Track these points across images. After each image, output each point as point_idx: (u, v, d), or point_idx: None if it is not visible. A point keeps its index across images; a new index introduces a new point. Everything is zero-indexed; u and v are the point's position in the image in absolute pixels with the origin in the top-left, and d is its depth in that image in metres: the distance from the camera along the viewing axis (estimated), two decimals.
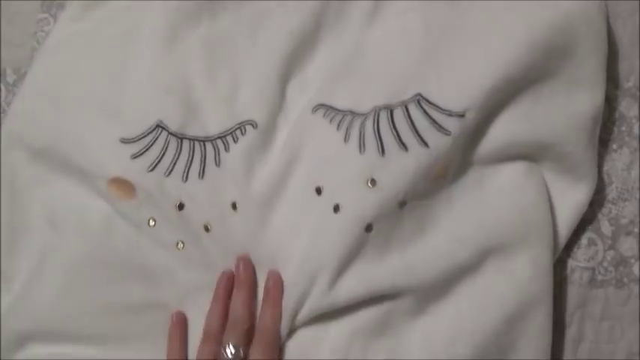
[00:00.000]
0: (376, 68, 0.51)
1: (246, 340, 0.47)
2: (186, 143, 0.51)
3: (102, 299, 0.51)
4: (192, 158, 0.51)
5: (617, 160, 0.54)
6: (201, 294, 0.50)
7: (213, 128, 0.52)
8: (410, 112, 0.48)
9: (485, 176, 0.50)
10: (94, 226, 0.51)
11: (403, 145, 0.48)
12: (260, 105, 0.52)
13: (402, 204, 0.47)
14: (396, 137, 0.48)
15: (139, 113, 0.52)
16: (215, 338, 0.48)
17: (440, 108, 0.48)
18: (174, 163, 0.51)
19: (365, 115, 0.49)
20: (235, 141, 0.51)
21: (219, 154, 0.51)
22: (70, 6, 0.58)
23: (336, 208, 0.47)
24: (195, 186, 0.50)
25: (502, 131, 0.50)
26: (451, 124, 0.47)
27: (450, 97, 0.48)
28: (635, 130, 0.54)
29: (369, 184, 0.47)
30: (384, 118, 0.48)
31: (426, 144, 0.47)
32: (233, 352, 0.46)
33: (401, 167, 0.47)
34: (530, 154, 0.50)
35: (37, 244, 0.53)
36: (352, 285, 0.47)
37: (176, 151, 0.51)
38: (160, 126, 0.51)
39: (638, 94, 0.54)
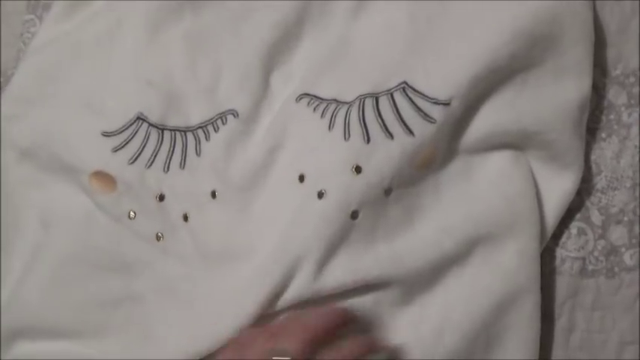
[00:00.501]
0: (361, 59, 0.51)
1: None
2: (167, 134, 0.51)
3: (83, 294, 0.51)
4: (174, 149, 0.51)
5: (606, 149, 0.53)
6: (178, 285, 0.49)
7: (195, 118, 0.52)
8: (395, 100, 0.48)
9: (472, 166, 0.50)
10: (78, 221, 0.52)
11: (389, 133, 0.47)
12: (242, 94, 0.52)
13: (388, 191, 0.47)
14: (382, 125, 0.48)
15: (120, 106, 0.52)
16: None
17: (426, 96, 0.48)
18: (155, 155, 0.51)
19: (350, 104, 0.49)
20: (216, 130, 0.51)
21: (199, 144, 0.51)
22: (54, 7, 0.58)
23: (320, 195, 0.47)
24: (175, 176, 0.50)
25: (487, 120, 0.49)
26: (436, 112, 0.47)
27: (435, 86, 0.48)
28: (624, 118, 0.54)
29: (354, 171, 0.47)
30: (369, 106, 0.48)
31: (411, 132, 0.47)
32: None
33: (386, 154, 0.47)
34: (516, 142, 0.50)
35: (29, 243, 0.53)
36: (338, 274, 0.46)
37: (157, 142, 0.51)
38: (140, 118, 0.52)
39: (626, 81, 0.54)
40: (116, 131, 0.52)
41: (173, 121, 0.52)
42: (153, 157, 0.51)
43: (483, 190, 0.49)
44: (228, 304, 0.47)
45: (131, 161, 0.51)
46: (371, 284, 0.47)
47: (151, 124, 0.51)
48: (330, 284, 0.46)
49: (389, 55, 0.50)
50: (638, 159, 0.53)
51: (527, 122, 0.49)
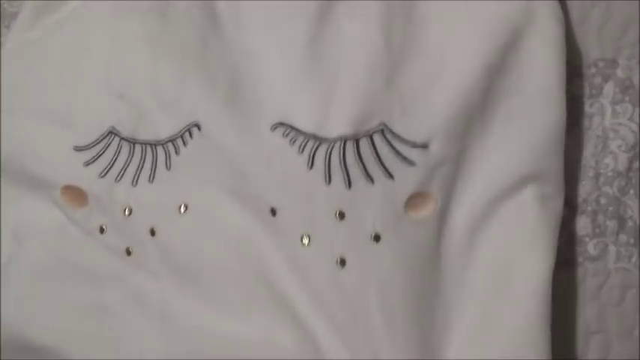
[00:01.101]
0: (338, 84, 0.49)
1: None
2: (138, 148, 0.51)
3: (56, 307, 0.51)
4: (144, 163, 0.51)
5: (569, 140, 0.53)
6: (149, 299, 0.49)
7: (164, 132, 0.51)
8: (375, 143, 0.48)
9: (474, 225, 0.49)
10: (50, 235, 0.52)
11: (370, 178, 0.47)
12: (206, 107, 0.50)
13: (377, 238, 0.47)
14: (362, 169, 0.47)
15: (92, 120, 0.52)
16: None
17: (403, 139, 0.48)
18: (125, 168, 0.51)
19: (330, 143, 0.48)
20: (185, 144, 0.51)
21: (169, 158, 0.51)
22: (20, 13, 0.58)
23: (306, 240, 0.47)
24: (143, 190, 0.50)
25: (484, 161, 0.49)
26: (415, 155, 0.47)
27: (412, 127, 0.48)
28: (586, 108, 0.54)
29: (337, 217, 0.47)
30: (350, 148, 0.48)
31: (391, 175, 0.47)
32: None
33: (368, 199, 0.47)
34: (513, 184, 0.49)
35: (5, 257, 0.54)
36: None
37: (128, 155, 0.51)
38: (112, 132, 0.52)
39: (587, 72, 0.54)
40: (88, 145, 0.52)
41: (144, 135, 0.51)
42: (123, 171, 0.51)
43: (484, 255, 0.49)
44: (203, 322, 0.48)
45: (101, 175, 0.51)
46: None
47: (122, 138, 0.51)
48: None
49: (368, 88, 0.48)
50: (600, 149, 0.53)
51: (524, 158, 0.48)
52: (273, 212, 0.48)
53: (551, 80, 0.49)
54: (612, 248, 0.52)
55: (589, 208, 0.53)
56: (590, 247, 0.52)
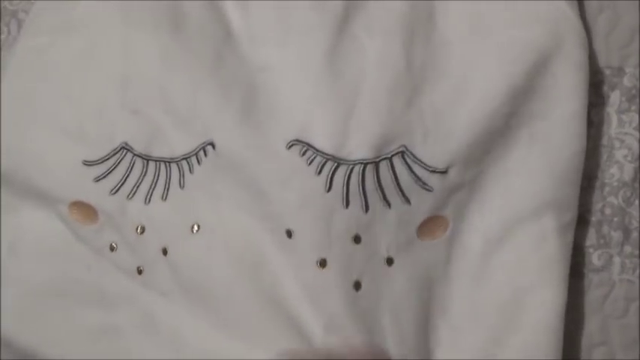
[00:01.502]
0: (357, 102, 0.48)
1: None
2: (152, 164, 0.50)
3: (60, 325, 0.50)
4: (157, 180, 0.50)
5: None
6: (159, 320, 0.49)
7: (178, 149, 0.50)
8: (395, 166, 0.47)
9: (488, 248, 0.48)
10: (54, 251, 0.51)
11: (387, 202, 0.47)
12: (220, 125, 0.49)
13: (390, 261, 0.47)
14: (381, 195, 0.47)
15: (103, 135, 0.51)
16: None
17: (424, 164, 0.47)
18: (138, 186, 0.50)
19: (349, 166, 0.47)
20: (199, 163, 0.49)
21: (183, 176, 0.49)
22: (27, 20, 0.57)
23: (322, 263, 0.47)
24: (156, 208, 0.49)
25: (501, 185, 0.48)
26: (434, 180, 0.47)
27: (433, 151, 0.47)
28: (591, 117, 0.53)
29: (354, 240, 0.47)
30: (369, 173, 0.47)
31: (408, 201, 0.47)
32: None
33: (383, 224, 0.47)
34: (533, 211, 0.48)
35: None
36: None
37: (141, 172, 0.50)
38: (124, 148, 0.50)
39: (593, 80, 0.53)
40: (98, 160, 0.50)
41: (158, 152, 0.50)
42: (135, 188, 0.50)
43: (497, 280, 0.48)
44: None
45: (113, 192, 0.50)
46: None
47: (135, 154, 0.50)
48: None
49: (390, 109, 0.47)
50: (605, 158, 0.52)
51: (544, 184, 0.48)
52: (289, 234, 0.47)
53: (576, 106, 0.48)
54: (617, 259, 0.52)
55: (594, 219, 0.52)
56: (595, 258, 0.52)
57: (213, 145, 0.49)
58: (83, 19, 0.54)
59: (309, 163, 0.47)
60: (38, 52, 0.54)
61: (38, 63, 0.54)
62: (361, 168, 0.47)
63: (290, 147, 0.47)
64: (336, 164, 0.47)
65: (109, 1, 0.53)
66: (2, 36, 0.61)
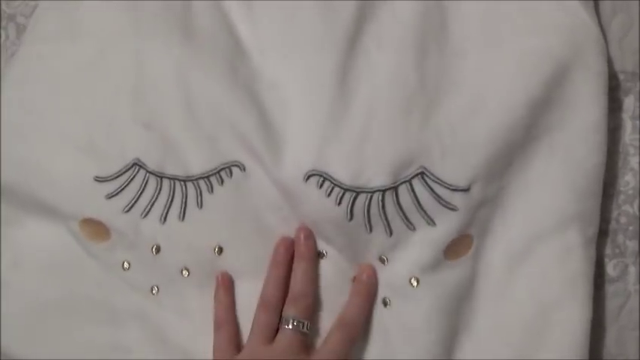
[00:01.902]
0: (372, 126, 0.47)
1: (308, 314, 0.46)
2: (166, 182, 0.49)
3: (67, 342, 0.49)
4: (173, 199, 0.48)
5: None
6: (171, 339, 0.48)
7: (196, 168, 0.48)
8: (415, 189, 0.46)
9: (512, 263, 0.47)
10: (63, 266, 0.50)
11: (411, 225, 0.46)
12: (246, 147, 0.48)
13: (417, 281, 0.46)
14: (403, 218, 0.46)
15: (115, 150, 0.49)
16: (274, 308, 0.46)
17: (445, 182, 0.46)
18: (153, 204, 0.49)
19: (368, 194, 0.46)
20: (220, 183, 0.48)
21: (201, 196, 0.48)
22: (28, 23, 0.55)
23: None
24: (174, 228, 0.48)
25: (522, 202, 0.48)
26: (457, 199, 0.46)
27: (454, 171, 0.46)
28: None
29: (380, 261, 0.47)
30: (389, 198, 0.46)
31: (433, 222, 0.46)
32: (296, 325, 0.45)
33: (409, 245, 0.46)
34: (556, 224, 0.47)
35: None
36: None
37: (155, 190, 0.49)
38: (137, 164, 0.49)
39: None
40: (111, 176, 0.49)
41: (171, 169, 0.49)
42: (149, 207, 0.48)
43: (521, 296, 0.47)
44: None
45: (126, 210, 0.48)
46: None
47: (149, 171, 0.49)
48: None
49: (404, 130, 0.47)
50: (620, 165, 0.51)
51: (566, 197, 0.47)
52: (321, 255, 0.48)
53: (596, 116, 0.47)
54: (632, 269, 0.50)
55: (608, 228, 0.51)
56: (610, 268, 0.51)
57: (240, 166, 0.48)
58: (90, 25, 0.52)
59: (328, 195, 0.46)
60: (42, 60, 0.52)
61: (42, 71, 0.52)
62: (380, 196, 0.46)
63: (307, 178, 0.46)
64: (355, 194, 0.46)
65: (117, 7, 0.52)
66: (0, 40, 0.59)
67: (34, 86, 0.52)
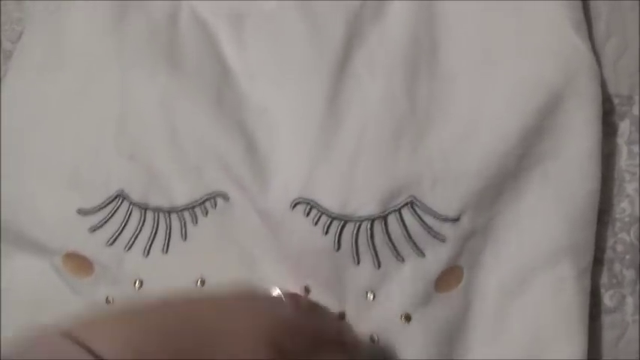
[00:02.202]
0: (361, 153, 0.46)
1: None
2: (149, 214, 0.48)
3: None
4: (157, 231, 0.48)
5: None
6: None
7: (180, 198, 0.48)
8: (404, 219, 0.45)
9: (504, 296, 0.46)
10: (48, 302, 0.49)
11: (400, 257, 0.45)
12: (231, 177, 0.47)
13: (407, 318, 0.45)
14: (392, 249, 0.45)
15: (99, 181, 0.48)
16: None
17: (434, 212, 0.45)
18: (136, 236, 0.48)
19: (356, 223, 0.45)
20: (205, 214, 0.47)
21: (185, 227, 0.47)
22: (16, 49, 0.54)
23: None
24: (157, 261, 0.47)
25: (513, 233, 0.47)
26: (446, 229, 0.45)
27: (444, 200, 0.45)
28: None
29: (368, 296, 0.45)
30: (378, 228, 0.45)
31: (422, 253, 0.45)
32: None
33: (398, 278, 0.45)
34: (549, 256, 0.46)
35: None
36: None
37: (139, 222, 0.48)
38: (120, 195, 0.48)
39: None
40: (94, 208, 0.48)
41: (155, 200, 0.48)
42: (133, 239, 0.48)
43: (515, 330, 0.46)
44: None
45: (109, 242, 0.48)
46: None
47: (132, 203, 0.48)
48: None
49: (394, 158, 0.46)
50: (615, 192, 0.50)
51: (559, 228, 0.46)
52: (307, 290, 0.46)
53: (590, 142, 0.46)
54: (630, 300, 0.49)
55: (604, 257, 0.50)
56: (607, 299, 0.49)
57: (224, 196, 0.47)
58: (75, 50, 0.51)
59: (315, 223, 0.45)
60: (27, 90, 0.51)
61: (27, 101, 0.51)
62: (368, 224, 0.45)
63: (294, 206, 0.45)
64: (342, 222, 0.45)
65: (101, 30, 0.51)
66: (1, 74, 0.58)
67: (19, 118, 0.51)
